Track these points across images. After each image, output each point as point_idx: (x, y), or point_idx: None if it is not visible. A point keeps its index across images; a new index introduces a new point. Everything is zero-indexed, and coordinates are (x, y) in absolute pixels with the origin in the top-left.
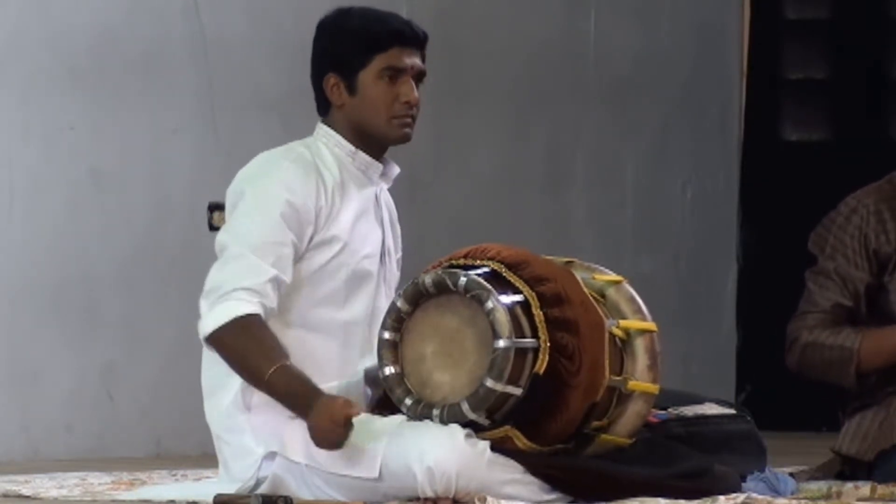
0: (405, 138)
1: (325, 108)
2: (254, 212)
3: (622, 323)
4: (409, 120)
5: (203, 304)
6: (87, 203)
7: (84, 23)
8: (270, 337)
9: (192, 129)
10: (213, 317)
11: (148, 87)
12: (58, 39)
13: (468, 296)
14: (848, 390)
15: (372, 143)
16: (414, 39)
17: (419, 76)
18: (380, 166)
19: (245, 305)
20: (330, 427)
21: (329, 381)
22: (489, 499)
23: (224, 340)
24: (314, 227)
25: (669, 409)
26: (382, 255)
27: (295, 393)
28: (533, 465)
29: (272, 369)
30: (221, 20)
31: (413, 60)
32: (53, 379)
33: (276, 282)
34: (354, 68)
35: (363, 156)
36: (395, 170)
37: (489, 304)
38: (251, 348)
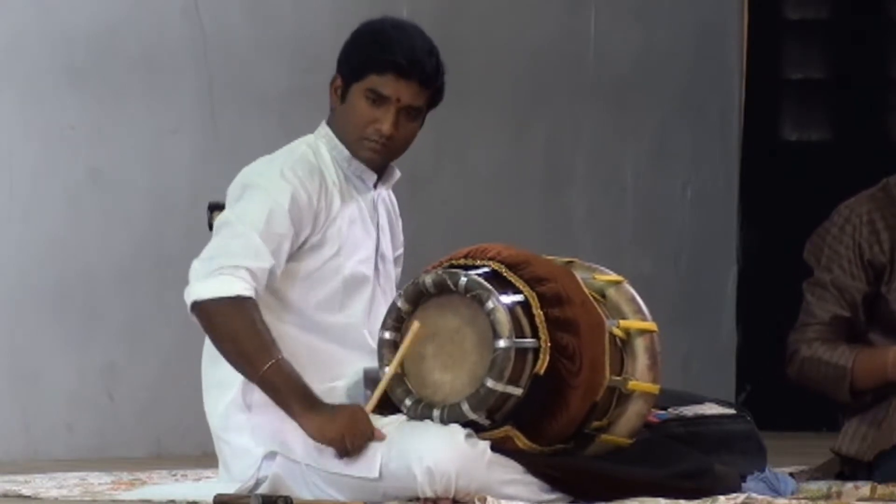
0: (369, 161)
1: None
2: (262, 200)
3: (622, 323)
4: (376, 146)
5: (198, 268)
6: (87, 203)
7: (84, 23)
8: (266, 329)
9: (192, 129)
10: (209, 286)
11: (148, 87)
12: (58, 39)
13: (468, 296)
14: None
15: None
16: (413, 75)
17: (408, 109)
18: (373, 174)
19: (244, 286)
20: (357, 434)
21: (328, 381)
22: (489, 499)
23: (217, 315)
24: (312, 227)
25: (669, 409)
26: (376, 260)
27: (292, 392)
28: (533, 465)
29: (269, 363)
30: (221, 20)
31: (403, 93)
32: (53, 379)
33: (272, 272)
34: (352, 78)
35: (357, 163)
36: (396, 175)
37: (489, 304)
38: (249, 335)
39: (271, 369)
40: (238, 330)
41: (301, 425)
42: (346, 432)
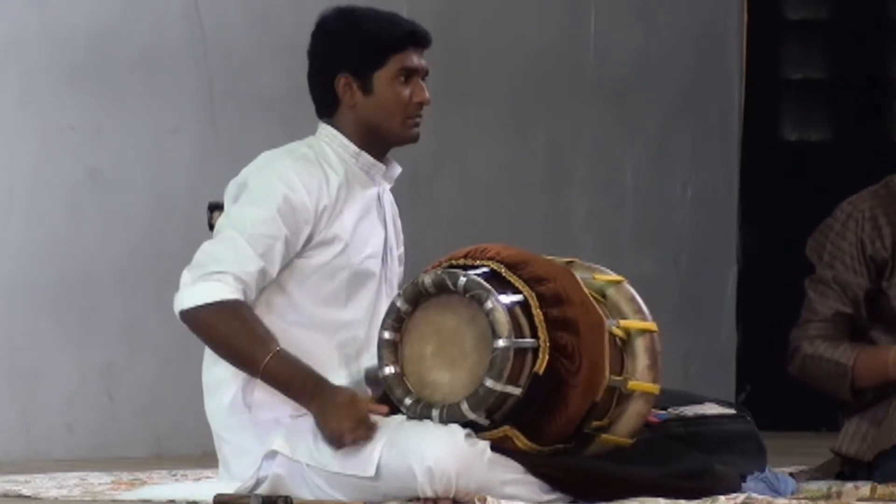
0: (415, 138)
1: (330, 109)
2: (253, 202)
3: (622, 323)
4: (419, 119)
5: (186, 276)
6: (87, 203)
7: (84, 23)
8: (260, 323)
9: (192, 129)
10: (195, 293)
11: (148, 87)
12: (58, 39)
13: (468, 296)
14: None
15: (379, 143)
16: (424, 41)
17: (426, 73)
18: (382, 167)
19: (229, 290)
20: (353, 426)
21: (330, 380)
22: (489, 499)
23: (205, 320)
24: (313, 226)
25: (669, 409)
26: (385, 254)
27: (296, 380)
28: (533, 464)
29: (269, 356)
30: (221, 20)
31: (422, 61)
32: (53, 379)
33: (262, 273)
34: (369, 68)
35: (366, 156)
36: (397, 170)
37: (489, 304)
38: (242, 335)
39: (271, 362)
40: (229, 333)
41: (313, 415)
42: (344, 427)
